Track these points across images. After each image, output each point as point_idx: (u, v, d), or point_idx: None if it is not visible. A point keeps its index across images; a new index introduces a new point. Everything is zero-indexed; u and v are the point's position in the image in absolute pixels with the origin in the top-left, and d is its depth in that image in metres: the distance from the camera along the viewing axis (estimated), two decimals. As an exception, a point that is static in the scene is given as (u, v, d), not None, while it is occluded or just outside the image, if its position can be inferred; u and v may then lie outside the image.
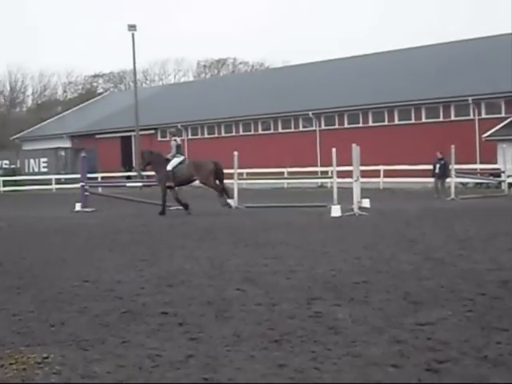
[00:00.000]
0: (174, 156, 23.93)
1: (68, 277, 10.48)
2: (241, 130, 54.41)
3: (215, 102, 58.30)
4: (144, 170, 27.09)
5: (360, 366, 5.70)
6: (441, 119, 44.74)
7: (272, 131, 52.71)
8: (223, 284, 9.54)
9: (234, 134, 54.65)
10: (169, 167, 23.67)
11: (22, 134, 73.06)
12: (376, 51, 58.58)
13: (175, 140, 24.35)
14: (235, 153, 26.43)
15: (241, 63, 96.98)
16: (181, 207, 23.69)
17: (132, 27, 51.10)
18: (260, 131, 53.44)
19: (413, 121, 45.98)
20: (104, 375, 5.62)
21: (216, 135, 55.93)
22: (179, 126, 56.85)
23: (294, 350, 6.19)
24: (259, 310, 7.87)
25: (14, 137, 72.60)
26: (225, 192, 23.42)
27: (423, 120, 45.59)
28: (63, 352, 6.28)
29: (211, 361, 5.92)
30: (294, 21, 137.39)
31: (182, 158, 24.22)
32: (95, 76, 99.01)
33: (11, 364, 5.96)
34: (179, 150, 24.28)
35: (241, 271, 10.59)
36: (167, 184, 23.70)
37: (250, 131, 53.82)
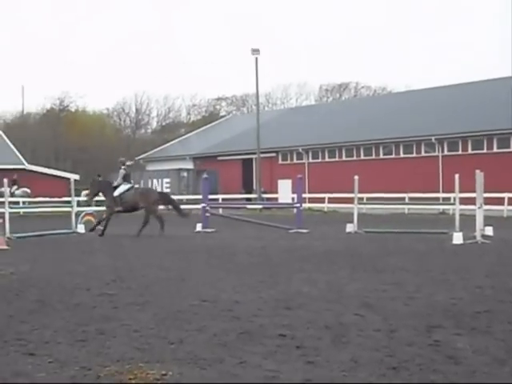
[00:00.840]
0: (120, 183, 25.50)
1: (187, 295, 10.62)
2: (362, 154, 54.05)
3: (336, 126, 58.23)
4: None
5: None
6: None
7: (393, 156, 52.17)
8: (341, 308, 9.47)
9: (354, 158, 54.34)
10: (115, 193, 25.25)
11: (146, 154, 74.77)
12: (500, 76, 57.25)
13: (124, 169, 25.83)
14: (355, 177, 26.28)
15: (363, 87, 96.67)
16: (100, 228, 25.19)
17: (255, 51, 51.72)
18: (381, 156, 52.96)
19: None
20: (221, 394, 5.66)
21: (337, 159, 55.74)
22: (300, 149, 57.04)
23: (412, 378, 6.08)
24: (377, 336, 7.77)
25: (139, 157, 74.40)
26: (161, 223, 24.83)
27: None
28: (181, 369, 6.35)
29: (328, 385, 5.88)
30: (415, 45, 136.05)
31: (129, 185, 25.68)
32: (218, 99, 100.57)
33: (130, 379, 6.07)
34: (127, 178, 25.76)
35: (359, 296, 10.49)
36: (116, 209, 25.41)
37: (371, 155, 53.40)
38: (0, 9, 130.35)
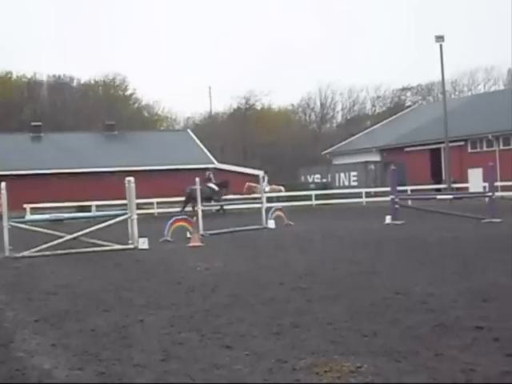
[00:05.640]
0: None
1: (379, 288, 10.57)
2: (557, 138, 51.83)
3: (528, 111, 56.07)
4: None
5: None
6: None
7: None
8: (540, 299, 9.13)
9: (548, 143, 52.19)
10: None
11: (332, 148, 75.01)
12: None
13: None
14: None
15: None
16: None
17: (440, 38, 50.64)
18: None
19: None
20: (417, 387, 5.59)
21: (529, 145, 53.73)
22: (490, 136, 55.38)
23: None
24: None
25: (325, 152, 74.77)
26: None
27: None
28: (376, 362, 6.32)
29: (529, 378, 5.68)
30: None
31: None
32: (403, 89, 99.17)
33: (326, 371, 6.11)
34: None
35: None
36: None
37: None
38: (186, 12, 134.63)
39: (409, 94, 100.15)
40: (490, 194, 26.58)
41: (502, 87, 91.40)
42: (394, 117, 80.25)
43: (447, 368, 6.06)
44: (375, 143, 68.98)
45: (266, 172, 48.50)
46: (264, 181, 45.86)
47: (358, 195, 50.69)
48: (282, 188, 50.59)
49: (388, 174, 35.94)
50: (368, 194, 52.20)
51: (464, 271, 12.14)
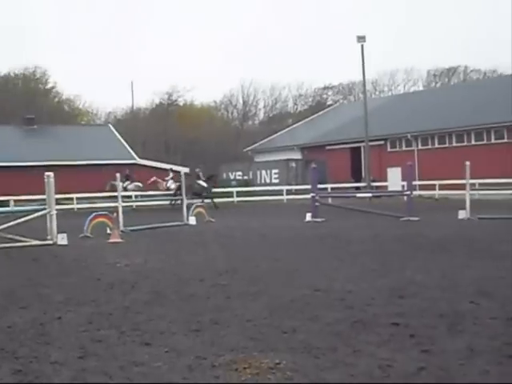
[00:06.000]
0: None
1: (300, 285, 10.65)
2: (473, 139, 52.95)
3: (446, 112, 57.12)
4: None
5: None
6: None
7: (506, 140, 50.89)
8: (456, 296, 9.32)
9: (465, 143, 53.27)
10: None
11: (254, 146, 75.19)
12: None
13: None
14: (467, 163, 25.78)
15: (472, 71, 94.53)
16: None
17: (361, 38, 51.20)
18: (493, 140, 51.74)
19: None
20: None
21: (447, 145, 54.78)
22: (409, 136, 56.34)
23: (532, 367, 5.93)
24: (494, 324, 7.60)
25: (247, 149, 74.92)
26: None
27: None
28: (295, 358, 6.37)
29: (444, 374, 5.79)
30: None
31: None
32: (325, 88, 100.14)
33: (245, 368, 6.13)
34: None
35: (474, 284, 10.29)
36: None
37: (483, 141, 52.24)
38: (109, 6, 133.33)
39: (330, 92, 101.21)
40: (409, 192, 27.04)
41: (421, 88, 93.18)
42: (315, 115, 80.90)
43: (365, 364, 6.14)
44: (297, 141, 69.41)
45: (127, 173, 47.75)
46: (128, 179, 46.03)
47: (279, 193, 50.98)
48: (141, 184, 49.50)
49: (309, 172, 36.21)
50: (289, 192, 52.53)
51: (382, 269, 12.33)
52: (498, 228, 20.80)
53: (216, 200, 42.87)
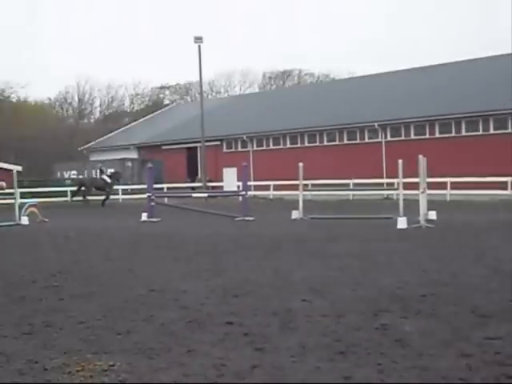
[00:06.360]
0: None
1: (134, 286, 10.57)
2: (306, 141, 54.29)
3: (280, 114, 58.31)
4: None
5: (427, 379, 5.61)
6: (509, 130, 43.86)
7: (337, 142, 52.50)
8: (288, 295, 9.51)
9: (299, 145, 54.56)
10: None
11: (89, 144, 74.14)
12: (442, 62, 57.84)
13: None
14: (300, 164, 26.39)
15: (306, 74, 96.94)
16: None
17: (198, 39, 51.44)
18: (325, 142, 53.24)
19: (480, 132, 45.23)
20: (170, 384, 5.64)
21: (281, 146, 55.91)
22: (245, 137, 57.12)
23: (359, 362, 6.13)
24: (325, 321, 7.81)
25: (82, 148, 73.72)
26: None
27: (491, 131, 44.78)
28: (129, 360, 6.32)
29: (276, 371, 5.90)
30: (359, 32, 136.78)
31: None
32: (162, 87, 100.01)
33: (78, 371, 6.02)
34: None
35: (306, 282, 10.54)
36: None
37: (315, 142, 53.65)
38: None
39: (167, 92, 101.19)
40: (244, 192, 27.41)
41: (257, 90, 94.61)
42: (152, 115, 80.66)
43: (199, 364, 6.16)
44: (133, 140, 68.95)
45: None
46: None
47: (115, 192, 50.47)
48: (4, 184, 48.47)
49: (145, 172, 36.05)
50: (125, 192, 52.11)
51: (217, 268, 12.42)
52: (328, 228, 21.40)
53: (51, 200, 42.23)
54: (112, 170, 46.42)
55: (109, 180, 44.27)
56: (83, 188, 43.40)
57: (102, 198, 43.00)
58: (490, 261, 12.77)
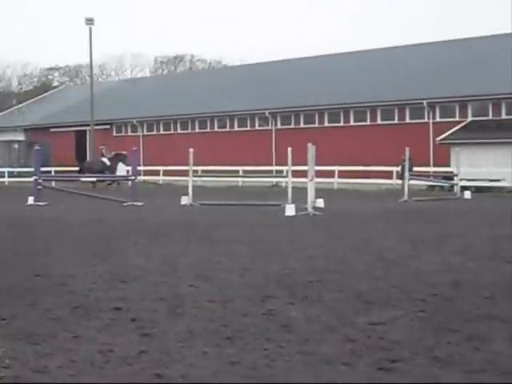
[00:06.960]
0: None
1: (19, 270, 10.38)
2: (197, 127, 54.28)
3: (172, 99, 58.10)
4: None
5: (312, 364, 5.72)
6: (396, 121, 44.99)
7: (228, 129, 52.68)
8: (176, 280, 9.52)
9: (189, 131, 54.50)
10: None
11: (-26, 125, 72.12)
12: (336, 52, 58.82)
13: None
14: (190, 150, 26.37)
15: (198, 60, 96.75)
16: None
17: (89, 21, 50.69)
18: (216, 129, 53.36)
19: (368, 122, 46.20)
20: (55, 370, 5.56)
21: (172, 132, 55.72)
22: (135, 121, 56.64)
23: (246, 347, 6.19)
24: (212, 306, 7.86)
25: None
26: None
27: (378, 122, 45.83)
28: (14, 346, 6.20)
29: (163, 357, 5.90)
30: (251, 19, 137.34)
31: None
32: (51, 69, 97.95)
33: (-40, 358, 5.89)
34: None
35: (194, 268, 10.56)
36: None
37: (206, 128, 53.72)
38: None
39: (56, 74, 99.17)
40: (133, 177, 27.22)
41: (148, 74, 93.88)
42: (40, 96, 79.00)
43: (85, 350, 6.11)
44: (21, 122, 67.36)
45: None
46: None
47: (1, 175, 49.32)
48: None
49: (32, 155, 35.32)
50: (11, 174, 50.96)
51: (105, 253, 12.31)
52: (217, 214, 21.51)
53: None
54: (114, 153, 44.27)
55: (108, 163, 43.21)
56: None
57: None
58: (375, 248, 13.09)
